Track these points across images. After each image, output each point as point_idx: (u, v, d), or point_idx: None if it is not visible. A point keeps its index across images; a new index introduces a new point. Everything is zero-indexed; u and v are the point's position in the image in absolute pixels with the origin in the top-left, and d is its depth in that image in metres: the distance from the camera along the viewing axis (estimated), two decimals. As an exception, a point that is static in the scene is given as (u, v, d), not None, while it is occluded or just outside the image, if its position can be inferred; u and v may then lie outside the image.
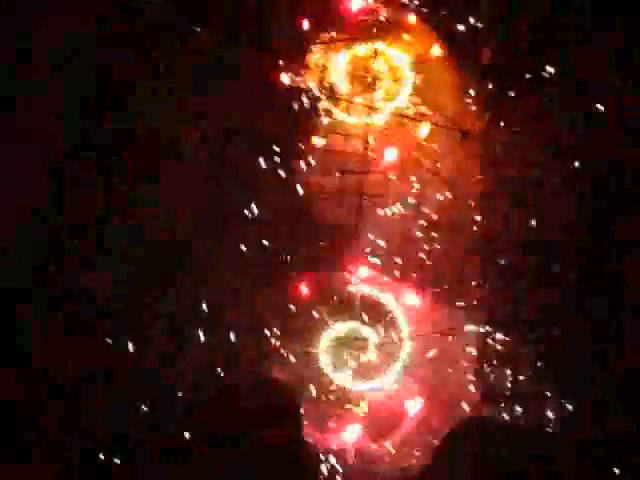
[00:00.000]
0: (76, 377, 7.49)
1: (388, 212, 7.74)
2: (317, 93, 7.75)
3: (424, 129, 7.69)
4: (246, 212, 7.61)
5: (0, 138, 7.61)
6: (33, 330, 7.52)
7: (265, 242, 7.61)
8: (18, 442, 7.38)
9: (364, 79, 7.83)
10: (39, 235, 7.64)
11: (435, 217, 7.74)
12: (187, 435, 6.45)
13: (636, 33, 7.53)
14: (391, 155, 7.74)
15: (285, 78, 7.73)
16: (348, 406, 7.61)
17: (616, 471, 6.77)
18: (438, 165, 7.73)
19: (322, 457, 7.46)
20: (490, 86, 7.74)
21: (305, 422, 6.74)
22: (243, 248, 7.59)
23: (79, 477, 7.45)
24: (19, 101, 7.68)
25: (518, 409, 7.46)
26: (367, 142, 7.74)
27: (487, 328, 7.54)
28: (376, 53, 7.78)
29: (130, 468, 7.43)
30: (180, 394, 7.39)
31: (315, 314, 7.61)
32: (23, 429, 7.40)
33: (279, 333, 7.58)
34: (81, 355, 7.50)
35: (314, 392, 7.56)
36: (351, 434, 7.55)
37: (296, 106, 7.75)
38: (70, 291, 7.61)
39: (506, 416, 7.42)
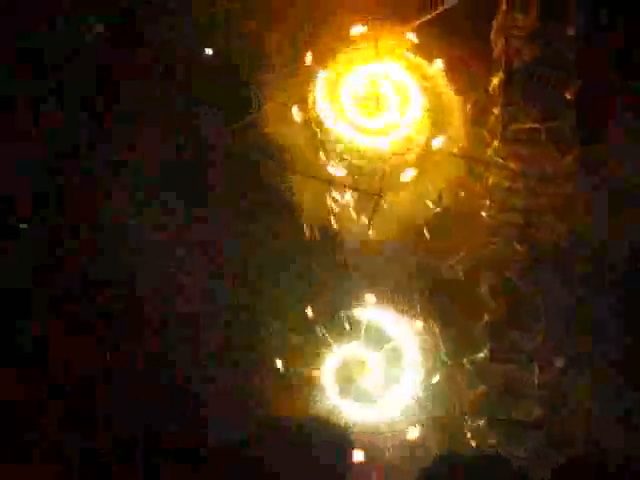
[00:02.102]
0: (76, 377, 7.50)
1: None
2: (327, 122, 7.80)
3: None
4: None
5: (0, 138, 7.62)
6: (33, 330, 7.52)
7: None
8: (18, 442, 7.38)
9: (371, 102, 7.85)
10: (39, 235, 7.64)
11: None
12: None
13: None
14: (408, 175, 7.76)
15: (296, 114, 7.79)
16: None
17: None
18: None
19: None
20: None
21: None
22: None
23: (79, 477, 7.46)
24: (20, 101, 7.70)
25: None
26: (384, 164, 7.78)
27: None
28: (378, 76, 7.82)
29: (130, 468, 7.45)
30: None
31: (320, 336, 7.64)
32: (23, 429, 7.41)
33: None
34: (81, 355, 7.52)
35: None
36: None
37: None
38: (70, 291, 7.61)
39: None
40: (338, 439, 7.14)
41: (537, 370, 7.49)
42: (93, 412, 7.48)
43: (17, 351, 7.49)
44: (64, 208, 7.72)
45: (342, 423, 7.47)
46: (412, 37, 7.91)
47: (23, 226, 7.64)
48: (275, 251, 7.73)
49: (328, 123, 7.79)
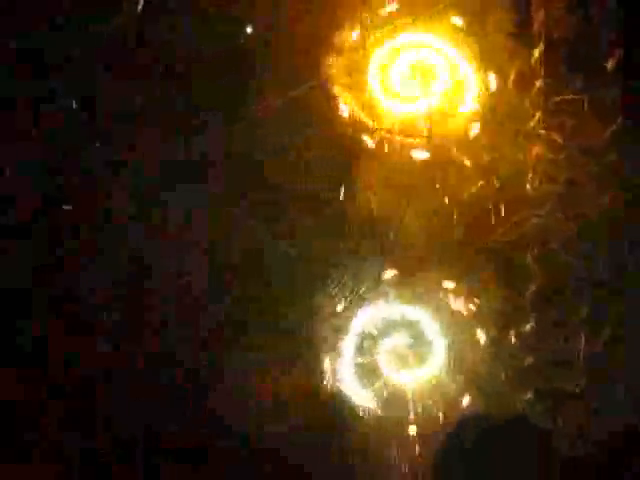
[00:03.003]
0: (76, 377, 7.50)
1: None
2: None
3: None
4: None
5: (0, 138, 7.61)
6: (33, 330, 7.52)
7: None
8: (18, 442, 7.38)
9: (418, 76, 7.79)
10: (39, 235, 7.63)
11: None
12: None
13: None
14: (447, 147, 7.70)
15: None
16: None
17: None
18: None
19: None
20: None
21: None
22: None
23: (79, 477, 7.45)
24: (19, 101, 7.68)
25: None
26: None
27: None
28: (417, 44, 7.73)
29: (130, 468, 7.44)
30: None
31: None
32: (23, 429, 7.40)
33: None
34: (80, 355, 7.51)
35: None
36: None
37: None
38: (70, 291, 7.61)
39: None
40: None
41: (583, 341, 7.44)
42: (93, 412, 7.48)
43: (17, 351, 7.49)
44: (64, 208, 7.71)
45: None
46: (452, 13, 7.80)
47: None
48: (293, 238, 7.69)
49: (377, 99, 7.71)
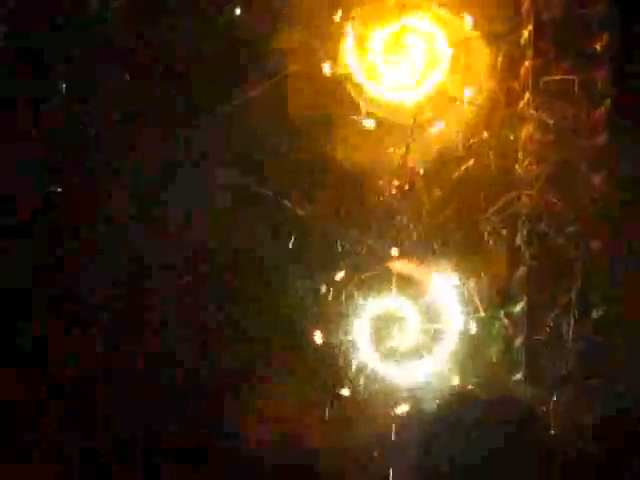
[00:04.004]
0: (76, 377, 7.50)
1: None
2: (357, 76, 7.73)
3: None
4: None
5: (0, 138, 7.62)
6: (33, 330, 7.52)
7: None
8: (18, 442, 7.38)
9: (399, 56, 7.78)
10: (39, 235, 7.64)
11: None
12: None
13: None
14: (438, 129, 7.72)
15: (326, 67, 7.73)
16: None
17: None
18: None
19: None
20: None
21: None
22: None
23: (79, 477, 7.45)
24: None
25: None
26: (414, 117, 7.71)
27: None
28: (406, 29, 7.73)
29: (130, 468, 7.45)
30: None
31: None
32: (23, 429, 7.40)
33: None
34: (80, 355, 7.52)
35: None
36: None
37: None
38: (70, 291, 7.61)
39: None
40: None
41: (573, 322, 7.44)
42: (93, 412, 7.48)
43: (17, 351, 7.49)
44: (64, 208, 7.71)
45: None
46: None
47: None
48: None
49: (358, 78, 7.72)
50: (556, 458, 7.13)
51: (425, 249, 7.61)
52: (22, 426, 7.40)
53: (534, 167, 7.65)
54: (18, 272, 7.55)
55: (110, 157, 7.68)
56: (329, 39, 7.73)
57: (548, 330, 7.50)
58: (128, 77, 7.72)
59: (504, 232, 7.65)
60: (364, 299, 7.55)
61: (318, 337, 7.49)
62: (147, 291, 7.68)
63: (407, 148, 7.68)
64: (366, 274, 7.55)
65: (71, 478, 7.42)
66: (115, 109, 7.72)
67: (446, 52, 7.74)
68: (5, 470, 7.26)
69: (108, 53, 7.71)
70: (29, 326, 7.52)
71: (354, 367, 7.52)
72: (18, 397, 7.40)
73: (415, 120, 7.70)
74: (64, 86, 7.69)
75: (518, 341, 7.55)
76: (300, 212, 7.65)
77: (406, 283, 7.54)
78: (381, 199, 7.72)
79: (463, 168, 7.68)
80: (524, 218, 7.63)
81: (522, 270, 7.61)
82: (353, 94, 7.73)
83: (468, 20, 7.73)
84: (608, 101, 7.60)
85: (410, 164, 7.69)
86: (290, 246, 7.62)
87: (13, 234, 7.60)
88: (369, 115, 7.73)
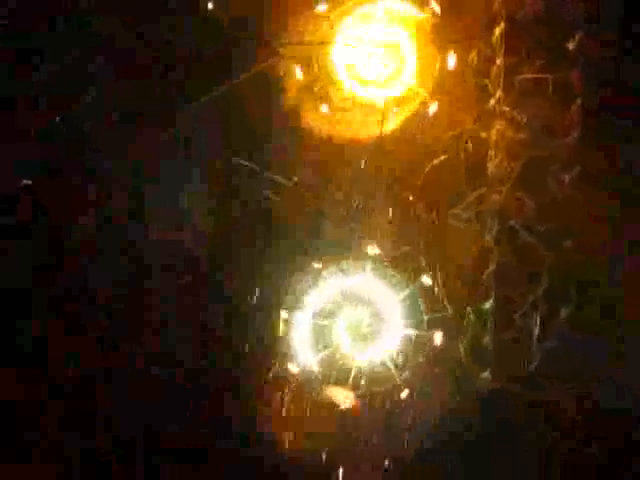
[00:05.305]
0: (76, 377, 7.51)
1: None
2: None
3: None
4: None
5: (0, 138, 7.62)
6: (33, 330, 7.52)
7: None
8: (18, 442, 7.39)
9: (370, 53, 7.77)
10: (39, 235, 7.64)
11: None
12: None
13: None
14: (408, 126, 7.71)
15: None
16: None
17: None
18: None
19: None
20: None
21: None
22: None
23: (79, 477, 7.46)
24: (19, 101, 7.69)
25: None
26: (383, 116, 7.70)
27: None
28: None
29: (130, 468, 7.45)
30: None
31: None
32: (23, 429, 7.41)
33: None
34: (81, 355, 7.52)
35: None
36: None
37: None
38: (70, 291, 7.61)
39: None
40: None
41: (539, 320, 7.43)
42: (93, 412, 7.48)
43: (17, 351, 7.50)
44: (64, 208, 7.71)
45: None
46: None
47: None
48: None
49: (335, 74, 7.73)
50: (549, 458, 7.15)
51: (393, 246, 7.59)
52: (22, 426, 7.40)
53: (505, 164, 7.65)
54: (18, 272, 7.55)
55: (109, 157, 7.69)
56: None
57: (516, 328, 7.49)
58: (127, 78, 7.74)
59: (474, 229, 7.64)
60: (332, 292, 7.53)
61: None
62: (147, 291, 7.68)
63: (376, 145, 7.67)
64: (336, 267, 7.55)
65: (71, 478, 7.43)
66: (115, 109, 7.73)
67: (415, 50, 7.73)
68: (5, 470, 7.26)
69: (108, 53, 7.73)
70: (29, 326, 7.52)
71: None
72: (18, 397, 7.40)
73: (384, 117, 7.69)
74: (63, 86, 7.70)
75: (486, 339, 7.55)
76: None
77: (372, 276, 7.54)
78: (348, 195, 7.71)
79: (434, 164, 7.67)
80: (494, 215, 7.63)
81: (491, 267, 7.59)
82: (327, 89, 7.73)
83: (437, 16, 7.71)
84: (580, 100, 7.59)
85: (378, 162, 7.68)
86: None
87: (13, 234, 7.60)
88: (340, 108, 7.73)
